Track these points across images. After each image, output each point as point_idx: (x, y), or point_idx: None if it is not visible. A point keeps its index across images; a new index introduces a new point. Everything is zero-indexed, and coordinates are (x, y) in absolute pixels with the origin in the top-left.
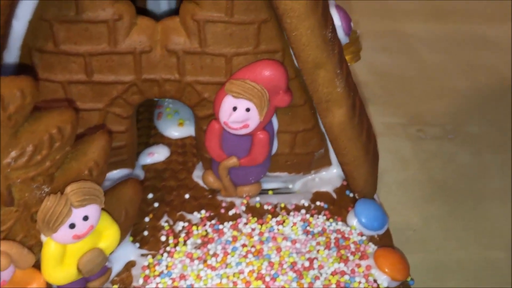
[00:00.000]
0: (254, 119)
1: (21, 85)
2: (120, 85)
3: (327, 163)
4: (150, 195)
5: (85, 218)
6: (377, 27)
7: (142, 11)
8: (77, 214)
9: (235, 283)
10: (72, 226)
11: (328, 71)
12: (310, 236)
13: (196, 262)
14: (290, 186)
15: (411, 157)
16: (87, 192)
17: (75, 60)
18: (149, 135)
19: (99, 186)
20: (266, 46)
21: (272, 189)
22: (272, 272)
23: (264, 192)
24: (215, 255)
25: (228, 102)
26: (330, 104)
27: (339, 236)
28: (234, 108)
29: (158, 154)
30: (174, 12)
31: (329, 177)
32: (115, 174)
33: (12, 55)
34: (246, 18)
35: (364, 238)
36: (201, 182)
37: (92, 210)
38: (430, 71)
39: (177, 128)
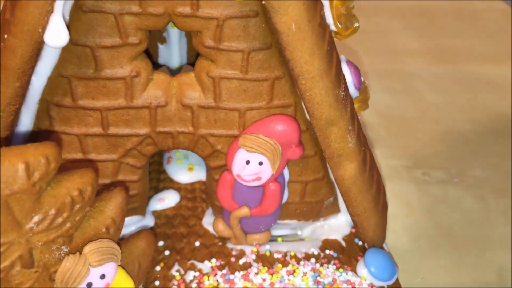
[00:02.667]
0: (266, 172)
1: (45, 152)
2: (135, 138)
3: (336, 210)
4: (161, 243)
5: (102, 276)
6: (380, 66)
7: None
8: (94, 273)
9: None
10: (89, 285)
11: (340, 128)
12: (320, 287)
13: None
14: (299, 232)
15: (416, 202)
16: (105, 252)
17: (92, 114)
18: (158, 180)
19: (116, 245)
20: (279, 101)
21: (281, 236)
22: None
23: (273, 238)
24: None
25: (241, 155)
26: (342, 158)
27: (350, 287)
28: (247, 162)
29: (168, 200)
30: (185, 66)
31: (338, 225)
32: (127, 221)
33: (30, 109)
34: (260, 76)
35: None
36: (211, 229)
37: (109, 268)
38: (433, 112)
39: (187, 173)
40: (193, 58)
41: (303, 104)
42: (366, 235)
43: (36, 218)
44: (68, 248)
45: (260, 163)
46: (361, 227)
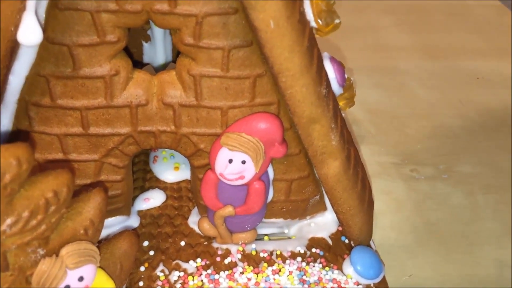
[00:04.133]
0: (249, 170)
1: (16, 153)
2: (117, 137)
3: (323, 208)
4: (146, 243)
5: (81, 278)
6: (369, 63)
7: (138, 63)
8: (72, 276)
9: None
10: (67, 287)
11: (323, 126)
12: (306, 286)
13: None
14: (286, 231)
15: (405, 198)
16: (83, 254)
17: (71, 113)
18: (144, 179)
19: (94, 246)
20: (261, 99)
21: (268, 235)
22: None
23: (260, 237)
24: None
25: (223, 154)
26: (325, 156)
27: (335, 286)
28: (230, 161)
29: (154, 200)
30: (170, 64)
31: (325, 222)
32: (111, 221)
33: (8, 109)
34: (242, 73)
35: (360, 287)
36: (196, 229)
37: (88, 270)
38: (422, 108)
39: (173, 172)
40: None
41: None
42: (352, 233)
43: (8, 221)
44: (45, 250)
45: (243, 162)
46: (346, 225)
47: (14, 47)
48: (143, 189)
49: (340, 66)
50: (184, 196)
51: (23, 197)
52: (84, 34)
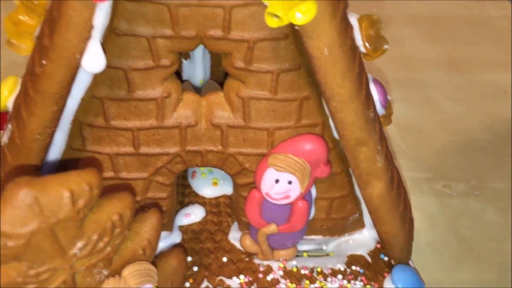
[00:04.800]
0: (295, 190)
1: (89, 179)
2: (165, 156)
3: (361, 225)
4: (189, 258)
5: None
6: (395, 75)
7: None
8: None
9: None
10: None
11: (369, 148)
12: None
13: None
14: (324, 247)
15: (438, 215)
16: (143, 274)
17: (123, 134)
18: (184, 194)
19: (153, 266)
20: (307, 120)
21: (307, 251)
22: None
23: (299, 253)
24: None
25: (270, 174)
26: (371, 177)
27: None
28: (277, 181)
29: (194, 215)
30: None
31: (363, 240)
32: None
33: (63, 129)
34: (289, 96)
35: None
36: (237, 244)
37: None
38: (450, 122)
39: (211, 187)
40: (216, 73)
41: (332, 124)
42: (393, 251)
43: (79, 244)
44: (108, 271)
45: (289, 182)
46: (388, 244)
47: (76, 72)
48: (183, 204)
49: (383, 88)
50: (223, 211)
51: (92, 221)
52: (139, 58)
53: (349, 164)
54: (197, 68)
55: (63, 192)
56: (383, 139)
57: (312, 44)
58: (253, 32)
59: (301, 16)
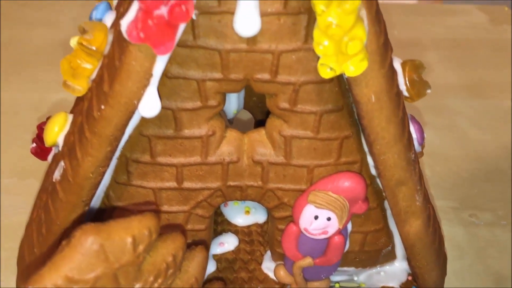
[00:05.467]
0: (333, 226)
1: (148, 224)
2: (207, 191)
3: (392, 257)
4: None
5: None
6: (421, 101)
7: None
8: None
9: None
10: None
11: (409, 188)
12: None
13: None
14: (355, 278)
15: (465, 245)
16: None
17: (168, 169)
18: (216, 222)
19: None
20: (346, 158)
21: (338, 282)
22: None
23: (331, 284)
24: None
25: (310, 211)
26: (409, 215)
27: None
28: (316, 217)
29: (228, 244)
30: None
31: (394, 271)
32: None
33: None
34: (331, 135)
35: None
36: (270, 274)
37: None
38: (475, 150)
39: (244, 215)
40: (249, 103)
41: (369, 161)
42: (426, 286)
43: (137, 286)
44: None
45: (328, 219)
46: (422, 279)
47: (132, 116)
48: (216, 232)
49: (420, 126)
50: (256, 240)
51: (148, 263)
52: (188, 99)
53: (384, 199)
54: (232, 100)
55: (126, 238)
56: (421, 179)
57: (360, 92)
58: (299, 76)
59: (354, 69)
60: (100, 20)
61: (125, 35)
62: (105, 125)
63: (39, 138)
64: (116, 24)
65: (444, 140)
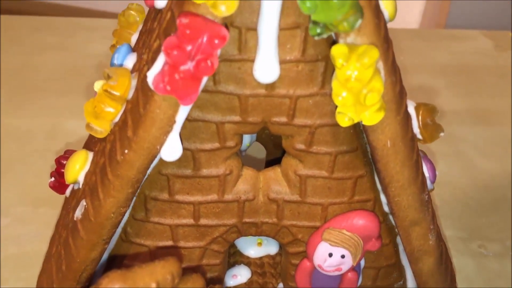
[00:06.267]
0: (347, 263)
1: (171, 269)
2: (223, 227)
3: None
4: None
5: None
6: None
7: None
8: None
9: None
10: None
11: (422, 228)
12: None
13: None
14: None
15: (475, 277)
16: None
17: (185, 207)
18: (229, 254)
19: None
20: (359, 197)
21: None
22: None
23: None
24: None
25: (324, 248)
26: (421, 253)
27: None
28: (330, 254)
29: (241, 276)
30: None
31: None
32: None
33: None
34: (345, 175)
35: None
36: None
37: None
38: (482, 179)
39: (256, 247)
40: (262, 135)
41: (382, 198)
42: None
43: None
44: None
45: (342, 256)
46: None
47: (154, 160)
48: (229, 264)
49: (432, 165)
50: (268, 272)
51: None
52: (207, 141)
53: (396, 235)
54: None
55: (151, 284)
56: (434, 218)
57: (376, 138)
58: (316, 119)
59: (371, 118)
60: (122, 63)
61: (151, 86)
62: (128, 168)
63: (57, 172)
64: (139, 69)
65: (452, 168)
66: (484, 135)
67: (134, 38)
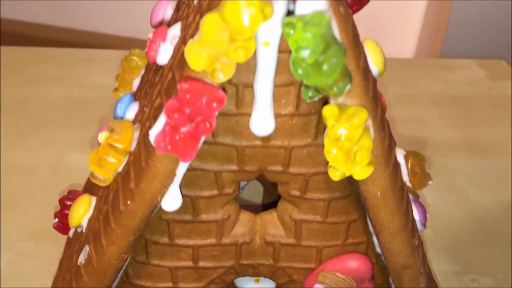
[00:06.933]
0: None
1: None
2: (220, 269)
3: None
4: None
5: None
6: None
7: None
8: None
9: None
10: None
11: (413, 271)
12: None
13: None
14: None
15: None
16: None
17: (184, 250)
18: None
19: None
20: (353, 240)
21: None
22: None
23: None
24: None
25: None
26: None
27: None
28: None
29: None
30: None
31: None
32: None
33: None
34: (338, 219)
35: None
36: None
37: None
38: (476, 211)
39: (254, 283)
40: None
41: (375, 240)
42: None
43: None
44: None
45: None
46: None
47: (155, 210)
48: None
49: (423, 208)
50: None
51: None
52: (206, 189)
53: (389, 275)
54: None
55: None
56: (425, 260)
57: (367, 188)
58: (310, 168)
59: (361, 173)
60: (125, 113)
61: (153, 144)
62: (130, 218)
63: (61, 213)
64: (141, 121)
65: (446, 201)
66: (477, 167)
67: (135, 83)
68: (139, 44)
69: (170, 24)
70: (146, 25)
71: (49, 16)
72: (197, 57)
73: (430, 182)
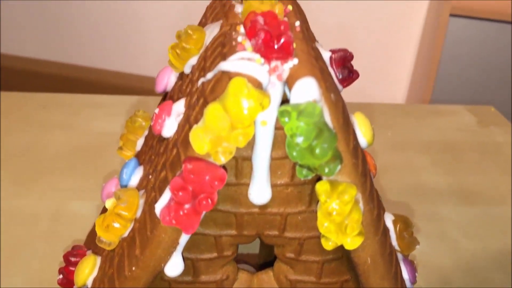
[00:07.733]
0: None
1: None
2: None
3: None
4: None
5: None
6: (411, 208)
7: None
8: None
9: None
10: None
11: None
12: None
13: None
14: None
15: None
16: None
17: None
18: None
19: None
20: None
21: None
22: None
23: None
24: None
25: None
26: None
27: None
28: None
29: None
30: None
31: None
32: None
33: None
34: (331, 280)
35: None
36: None
37: None
38: (466, 261)
39: None
40: None
41: None
42: None
43: None
44: None
45: None
46: None
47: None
48: None
49: (412, 267)
50: None
51: None
52: (206, 251)
53: None
54: None
55: None
56: None
57: (358, 255)
58: (304, 232)
59: (352, 243)
60: (130, 178)
61: (158, 216)
62: (134, 283)
63: (66, 270)
64: (146, 189)
65: (437, 249)
66: (467, 215)
67: (140, 142)
68: (136, 79)
69: (173, 95)
70: (144, 61)
71: (47, 51)
72: (201, 142)
73: (417, 246)
